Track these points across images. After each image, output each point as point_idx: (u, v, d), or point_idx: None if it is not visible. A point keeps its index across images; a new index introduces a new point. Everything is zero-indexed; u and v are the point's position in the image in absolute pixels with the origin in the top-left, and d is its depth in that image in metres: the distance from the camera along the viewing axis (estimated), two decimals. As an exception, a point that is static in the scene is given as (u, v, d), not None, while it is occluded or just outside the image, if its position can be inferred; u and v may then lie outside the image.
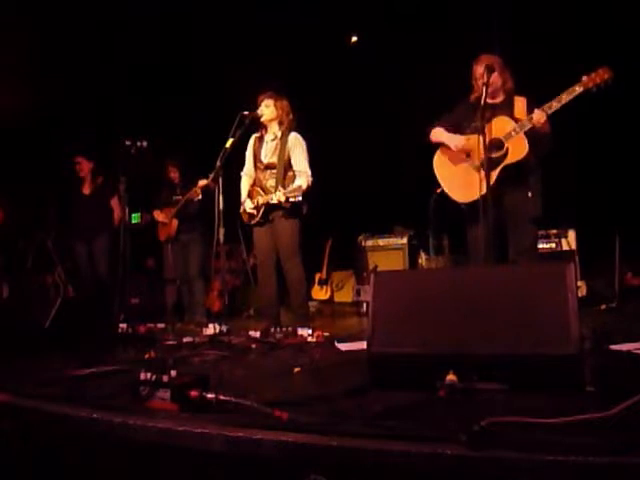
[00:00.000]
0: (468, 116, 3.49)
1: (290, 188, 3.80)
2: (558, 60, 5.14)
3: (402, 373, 1.78)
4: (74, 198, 5.86)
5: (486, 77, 3.32)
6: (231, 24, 6.23)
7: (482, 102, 3.26)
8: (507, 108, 3.44)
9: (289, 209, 3.96)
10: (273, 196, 3.88)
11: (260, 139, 4.23)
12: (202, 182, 5.13)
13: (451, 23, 5.92)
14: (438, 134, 3.62)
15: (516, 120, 3.33)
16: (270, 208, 4.01)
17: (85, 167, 5.82)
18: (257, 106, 4.09)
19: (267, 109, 4.08)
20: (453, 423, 1.31)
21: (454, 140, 3.48)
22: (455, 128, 3.57)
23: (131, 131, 4.67)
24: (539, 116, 3.21)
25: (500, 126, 3.33)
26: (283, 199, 3.82)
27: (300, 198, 3.79)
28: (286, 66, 6.17)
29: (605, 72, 3.12)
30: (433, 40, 5.96)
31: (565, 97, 3.19)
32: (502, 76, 3.48)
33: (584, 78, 3.15)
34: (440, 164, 3.63)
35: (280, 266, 4.12)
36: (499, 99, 3.52)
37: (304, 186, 3.82)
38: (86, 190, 5.86)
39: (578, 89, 3.16)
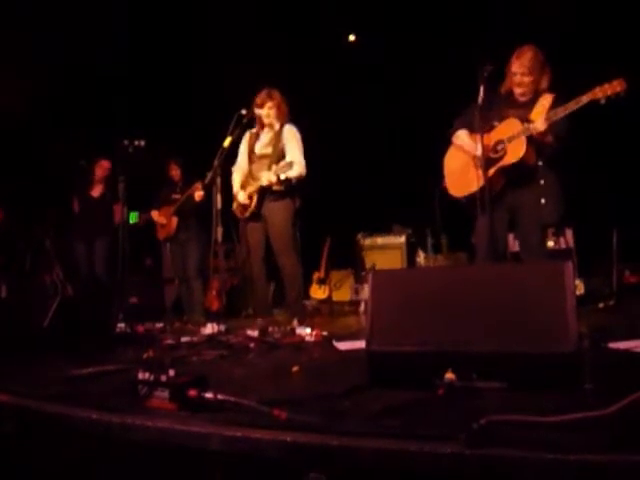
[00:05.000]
0: (491, 109, 3.33)
1: (280, 165, 3.79)
2: (575, 60, 5.10)
3: (401, 372, 1.78)
4: (81, 199, 5.87)
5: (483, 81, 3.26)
6: (231, 22, 6.22)
7: (479, 102, 3.25)
8: (527, 107, 3.31)
9: (281, 192, 3.95)
10: (263, 178, 3.89)
11: (256, 135, 4.24)
12: (199, 184, 5.14)
13: (452, 23, 5.90)
14: (460, 138, 3.55)
15: (529, 121, 3.21)
16: (263, 195, 3.99)
17: (105, 171, 5.85)
18: (255, 105, 4.09)
19: (271, 111, 4.11)
20: (452, 422, 1.31)
21: (474, 150, 3.38)
22: (470, 125, 3.46)
23: (131, 130, 4.66)
24: (537, 125, 3.11)
25: (508, 128, 3.28)
26: (274, 179, 3.83)
27: (292, 174, 3.80)
28: (286, 63, 6.16)
29: (619, 84, 2.93)
30: (435, 39, 5.95)
31: (571, 105, 3.04)
32: (540, 75, 3.30)
33: (596, 88, 2.97)
34: (450, 158, 3.62)
35: (274, 261, 4.09)
36: (525, 98, 3.36)
37: (296, 173, 3.85)
38: (95, 193, 5.89)
39: (585, 99, 2.99)
